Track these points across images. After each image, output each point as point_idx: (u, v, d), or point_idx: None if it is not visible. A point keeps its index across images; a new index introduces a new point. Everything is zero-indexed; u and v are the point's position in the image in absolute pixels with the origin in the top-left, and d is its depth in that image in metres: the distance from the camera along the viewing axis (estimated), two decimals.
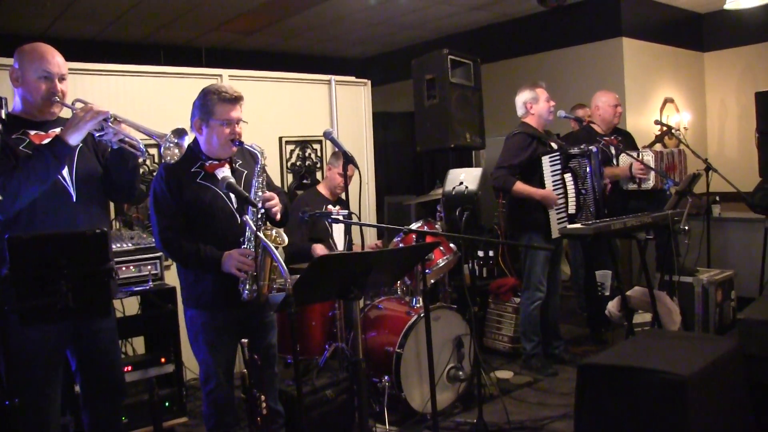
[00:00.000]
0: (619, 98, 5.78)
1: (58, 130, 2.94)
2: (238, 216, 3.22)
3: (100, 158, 3.13)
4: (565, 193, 4.89)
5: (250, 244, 3.13)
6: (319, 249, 4.71)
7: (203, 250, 3.14)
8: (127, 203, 3.25)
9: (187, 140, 2.99)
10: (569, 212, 4.91)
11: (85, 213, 2.97)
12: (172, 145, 2.90)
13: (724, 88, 8.70)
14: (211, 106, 3.20)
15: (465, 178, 3.89)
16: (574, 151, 4.94)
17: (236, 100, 3.23)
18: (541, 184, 4.89)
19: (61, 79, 2.97)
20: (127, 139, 2.96)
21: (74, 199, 2.95)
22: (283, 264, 2.57)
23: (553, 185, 4.88)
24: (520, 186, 4.89)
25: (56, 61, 2.95)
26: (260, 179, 3.20)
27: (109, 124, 2.92)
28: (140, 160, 3.16)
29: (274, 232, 3.12)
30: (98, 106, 2.89)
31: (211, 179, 3.22)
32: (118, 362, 3.21)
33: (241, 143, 3.23)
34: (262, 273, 3.09)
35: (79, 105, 2.97)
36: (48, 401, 2.90)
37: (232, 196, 3.20)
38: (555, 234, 4.89)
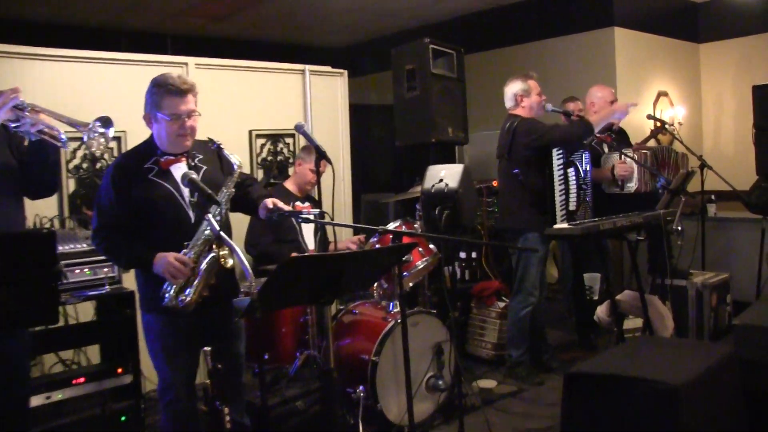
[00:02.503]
0: (614, 93, 5.77)
1: None
2: (192, 216, 3.17)
3: (14, 151, 3.06)
4: (567, 188, 4.90)
5: (194, 250, 3.09)
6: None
7: (135, 248, 3.11)
8: (46, 197, 3.22)
9: (113, 131, 2.95)
10: (570, 208, 4.91)
11: None
12: (96, 135, 2.86)
13: (720, 82, 8.74)
14: (158, 99, 3.15)
15: (445, 175, 3.87)
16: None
17: (184, 92, 3.15)
18: (550, 179, 4.90)
19: None
20: (46, 129, 2.90)
21: None
22: (248, 265, 2.54)
23: (559, 179, 4.89)
24: (594, 117, 4.97)
25: None
26: (229, 192, 3.19)
27: (26, 113, 2.85)
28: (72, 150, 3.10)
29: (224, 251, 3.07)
30: (9, 92, 2.81)
31: (165, 176, 3.18)
32: (23, 389, 3.05)
33: (216, 144, 3.20)
34: (196, 281, 3.05)
35: None
36: None
37: (185, 194, 3.16)
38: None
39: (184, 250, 3.09)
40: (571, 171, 4.90)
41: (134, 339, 4.09)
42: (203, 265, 3.04)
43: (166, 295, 3.07)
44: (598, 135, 5.42)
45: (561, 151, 4.88)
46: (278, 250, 4.77)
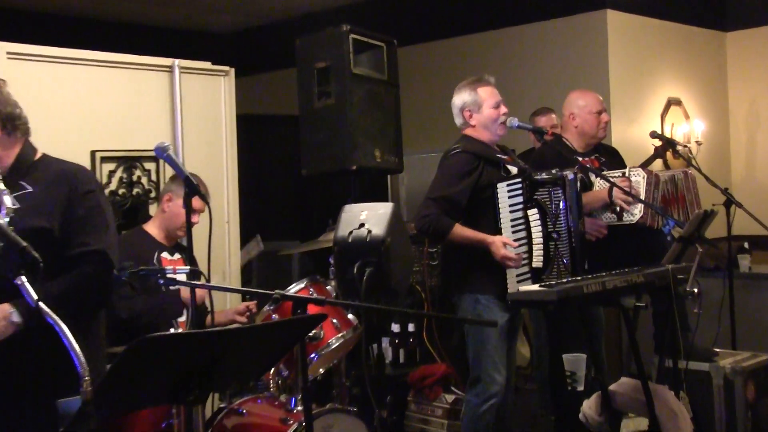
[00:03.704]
0: (603, 101, 5.84)
1: None
2: None
3: None
4: (529, 237, 4.93)
5: None
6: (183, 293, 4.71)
7: None
8: None
9: None
10: (534, 265, 4.92)
11: None
12: None
13: (755, 84, 9.01)
14: None
15: (367, 218, 3.92)
16: (543, 176, 5.00)
17: None
18: (495, 226, 4.93)
19: None
20: None
21: None
22: (79, 351, 2.52)
23: (513, 226, 4.92)
24: (459, 230, 4.90)
25: None
26: None
27: None
28: None
29: None
30: None
31: None
32: None
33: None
34: None
35: None
36: None
37: None
38: None
39: None
40: (533, 213, 4.94)
41: None
42: None
43: None
44: (583, 158, 5.53)
45: (516, 186, 4.93)
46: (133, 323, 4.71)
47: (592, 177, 5.61)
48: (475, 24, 8.52)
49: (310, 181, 6.38)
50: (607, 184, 5.46)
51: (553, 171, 5.00)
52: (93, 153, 5.69)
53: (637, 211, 5.38)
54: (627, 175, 5.39)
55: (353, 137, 5.68)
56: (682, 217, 5.39)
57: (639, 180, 5.38)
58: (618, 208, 5.43)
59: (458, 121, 5.24)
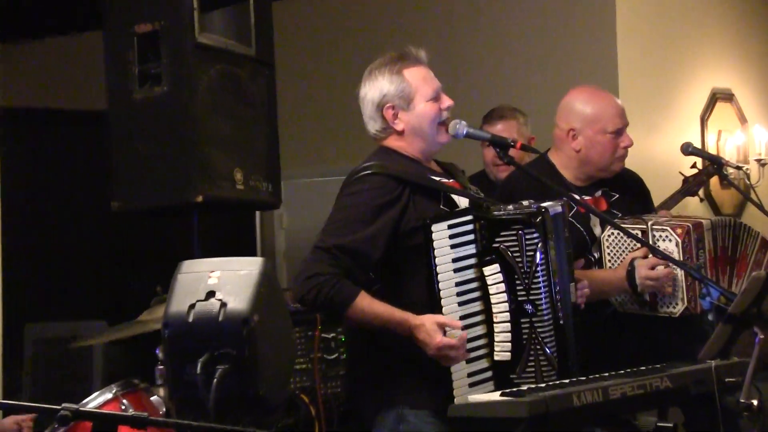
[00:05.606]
0: (624, 110, 5.82)
1: None
2: None
3: None
4: (488, 311, 4.94)
5: None
6: None
7: None
8: None
9: None
10: (497, 357, 4.90)
11: None
12: None
13: None
14: None
15: (220, 282, 3.92)
16: (507, 211, 5.02)
17: None
18: (430, 294, 4.91)
19: None
20: None
21: None
22: None
23: (460, 293, 4.93)
24: (366, 304, 4.84)
25: None
26: None
27: None
28: None
29: None
30: None
31: None
32: None
33: None
34: None
35: None
36: None
37: None
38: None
39: None
40: (493, 272, 4.96)
41: None
42: None
43: None
44: (581, 197, 5.51)
45: (463, 225, 4.89)
46: None
47: (595, 226, 5.66)
48: None
49: (125, 220, 6.37)
50: (621, 246, 5.47)
51: (524, 203, 4.97)
52: None
53: (680, 301, 5.44)
54: (650, 235, 5.44)
55: (198, 148, 5.67)
56: (733, 284, 5.44)
57: (671, 247, 5.42)
58: (647, 297, 5.49)
59: (373, 126, 5.17)
